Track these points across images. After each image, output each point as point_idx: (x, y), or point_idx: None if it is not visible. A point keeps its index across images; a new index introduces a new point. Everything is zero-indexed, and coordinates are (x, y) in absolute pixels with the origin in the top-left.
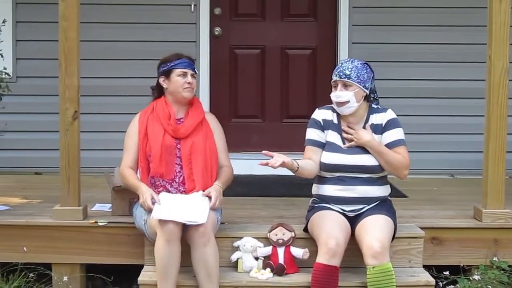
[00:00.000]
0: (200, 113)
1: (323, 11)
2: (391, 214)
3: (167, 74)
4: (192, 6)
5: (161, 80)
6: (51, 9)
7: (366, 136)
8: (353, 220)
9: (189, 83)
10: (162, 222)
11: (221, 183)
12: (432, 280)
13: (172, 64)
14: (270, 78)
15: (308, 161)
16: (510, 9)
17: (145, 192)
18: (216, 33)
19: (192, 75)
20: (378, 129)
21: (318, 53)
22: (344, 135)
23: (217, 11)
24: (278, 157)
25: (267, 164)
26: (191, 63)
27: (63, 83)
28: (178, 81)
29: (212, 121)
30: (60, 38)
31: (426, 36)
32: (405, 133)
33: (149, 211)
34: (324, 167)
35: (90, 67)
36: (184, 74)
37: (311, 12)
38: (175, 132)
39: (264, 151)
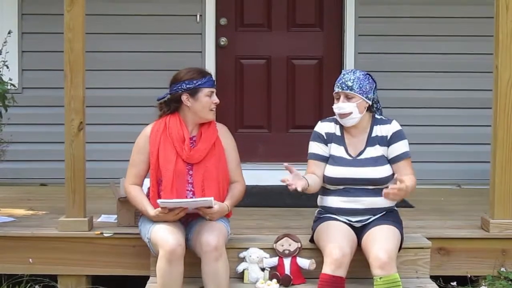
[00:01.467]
0: (213, 132)
1: (329, 21)
2: (398, 224)
3: (192, 92)
4: (198, 16)
5: (184, 98)
6: (57, 20)
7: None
8: (360, 231)
9: (215, 103)
10: (164, 241)
11: (230, 203)
12: None
13: (199, 82)
14: (276, 88)
15: (314, 178)
16: None
17: (154, 212)
18: (222, 43)
19: (216, 93)
20: (384, 141)
21: (324, 63)
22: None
23: (223, 21)
24: (297, 181)
25: (284, 182)
26: (214, 80)
27: (69, 94)
28: (206, 101)
29: (225, 136)
30: (66, 49)
31: (433, 46)
32: (412, 143)
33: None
34: (329, 180)
35: (95, 77)
36: (211, 94)
37: (317, 22)
38: (189, 159)
39: (285, 164)
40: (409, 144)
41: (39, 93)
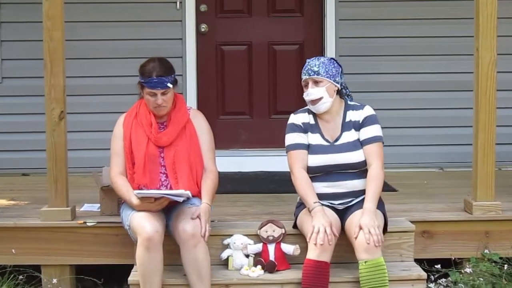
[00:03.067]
0: (183, 115)
1: (310, 6)
2: (381, 206)
3: (141, 86)
4: (178, 3)
5: (139, 86)
6: (36, 8)
7: (372, 220)
8: (343, 213)
9: (158, 104)
10: (141, 228)
11: (208, 200)
12: (423, 274)
13: (142, 80)
14: (257, 74)
15: (310, 182)
16: (496, 1)
17: (137, 201)
18: (202, 30)
19: (164, 93)
20: (356, 126)
21: (305, 48)
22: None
23: (203, 7)
24: (333, 229)
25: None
26: (162, 80)
27: (49, 83)
28: (148, 99)
29: (198, 121)
30: (45, 38)
31: (414, 30)
32: (394, 127)
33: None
34: (311, 170)
35: (75, 66)
36: (154, 94)
37: (297, 7)
38: (157, 142)
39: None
40: (392, 127)
41: (19, 82)
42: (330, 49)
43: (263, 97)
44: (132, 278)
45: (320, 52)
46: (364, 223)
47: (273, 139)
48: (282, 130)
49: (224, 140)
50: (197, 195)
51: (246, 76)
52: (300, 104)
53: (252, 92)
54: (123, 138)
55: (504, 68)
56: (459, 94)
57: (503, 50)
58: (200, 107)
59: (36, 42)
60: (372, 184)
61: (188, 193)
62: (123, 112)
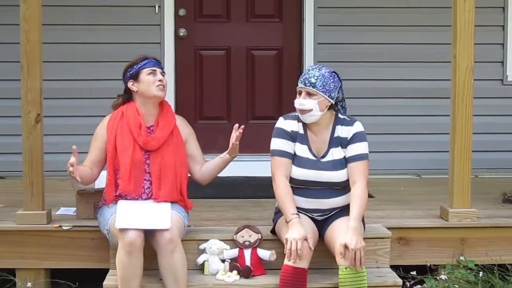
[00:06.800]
0: (170, 120)
1: (288, 12)
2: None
3: (135, 77)
4: (156, 7)
5: (130, 84)
6: (12, 11)
7: (358, 242)
8: (321, 224)
9: (160, 80)
10: (123, 233)
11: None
12: (399, 281)
13: (139, 66)
14: (235, 79)
15: (290, 192)
16: (474, 9)
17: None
18: (181, 34)
19: (162, 73)
20: (344, 143)
21: (283, 53)
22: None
23: (182, 12)
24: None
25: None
26: (159, 62)
27: (25, 86)
28: (148, 79)
29: (184, 126)
30: (22, 40)
31: (392, 36)
32: (371, 133)
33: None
34: (294, 181)
35: (53, 69)
36: (153, 72)
37: (276, 12)
38: (145, 145)
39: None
40: (369, 134)
41: None
42: (309, 55)
43: (241, 102)
44: (107, 282)
45: (299, 57)
46: (351, 247)
47: (251, 144)
48: (260, 135)
49: (202, 145)
50: (178, 202)
51: (225, 81)
52: (277, 109)
53: (230, 97)
54: (105, 142)
55: (481, 75)
56: (436, 101)
57: (480, 58)
58: (178, 111)
59: (13, 44)
60: (357, 203)
61: (167, 226)
62: (100, 116)
